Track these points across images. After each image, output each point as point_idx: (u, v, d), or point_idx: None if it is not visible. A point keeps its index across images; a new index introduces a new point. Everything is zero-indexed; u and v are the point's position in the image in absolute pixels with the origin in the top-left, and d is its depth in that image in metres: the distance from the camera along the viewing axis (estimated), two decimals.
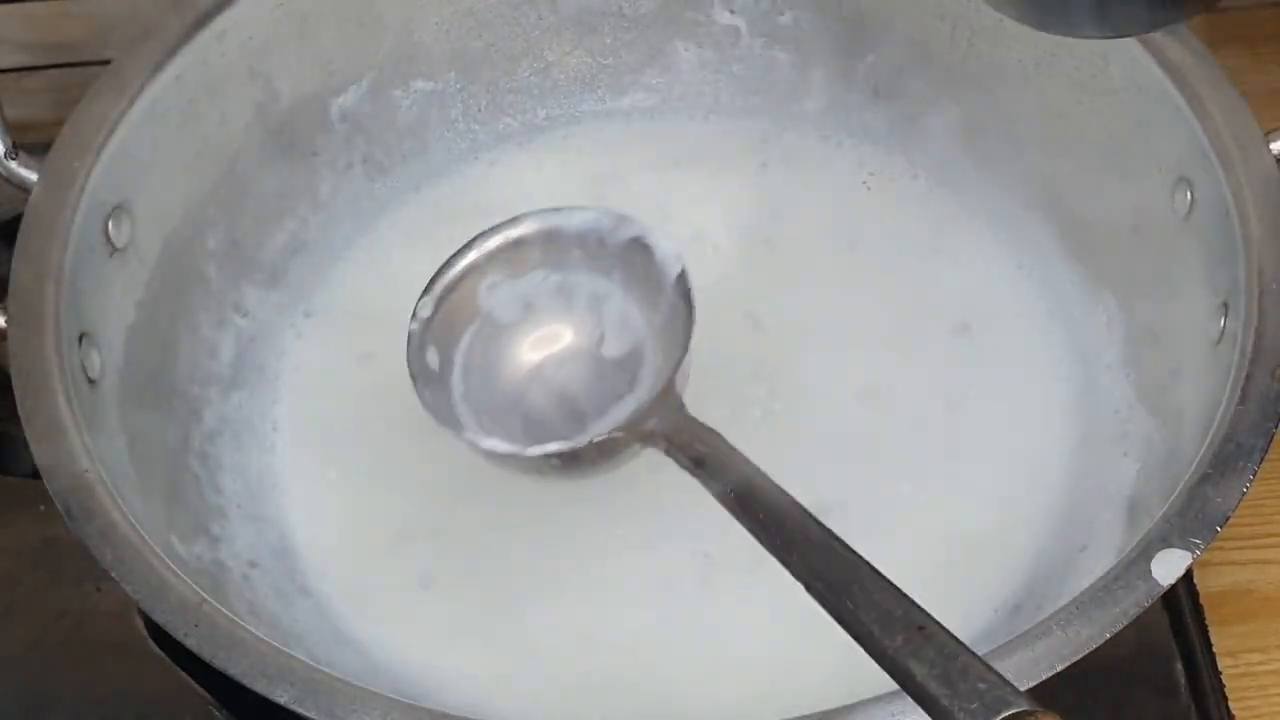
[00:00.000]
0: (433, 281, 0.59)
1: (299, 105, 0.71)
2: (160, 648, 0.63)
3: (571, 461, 0.55)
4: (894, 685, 0.44)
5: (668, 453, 0.53)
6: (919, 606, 0.43)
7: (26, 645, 0.65)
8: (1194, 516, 0.50)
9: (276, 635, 0.52)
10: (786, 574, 0.47)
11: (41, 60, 0.83)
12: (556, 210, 0.59)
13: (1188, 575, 0.65)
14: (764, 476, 0.50)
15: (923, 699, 0.41)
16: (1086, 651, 0.48)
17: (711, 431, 0.53)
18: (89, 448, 0.54)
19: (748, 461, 0.51)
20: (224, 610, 0.50)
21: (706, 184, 0.76)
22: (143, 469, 0.59)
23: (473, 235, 0.60)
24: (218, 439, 0.66)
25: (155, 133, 0.64)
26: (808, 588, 0.46)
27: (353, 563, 0.64)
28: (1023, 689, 0.46)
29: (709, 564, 0.63)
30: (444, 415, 0.57)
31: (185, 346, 0.66)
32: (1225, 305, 0.58)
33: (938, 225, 0.73)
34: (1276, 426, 0.53)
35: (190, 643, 0.49)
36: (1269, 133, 0.60)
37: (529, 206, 0.75)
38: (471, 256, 0.59)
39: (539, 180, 0.77)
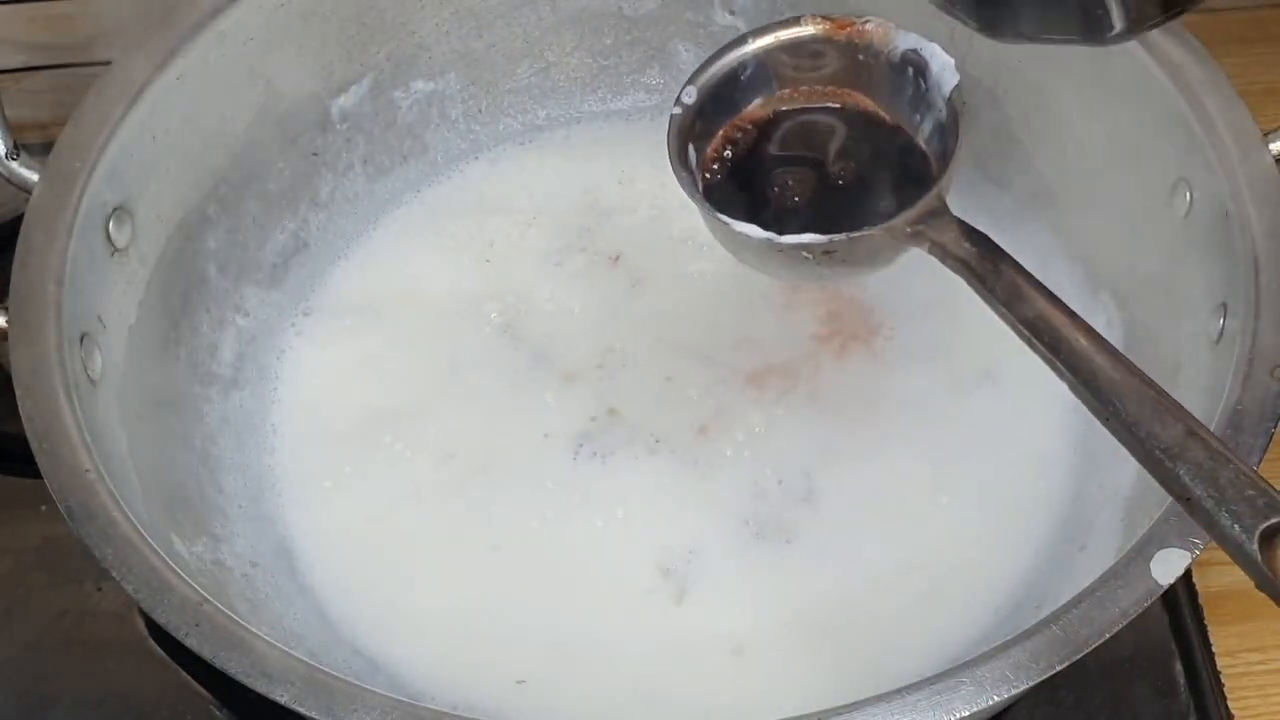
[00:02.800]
0: (699, 70, 0.60)
1: (299, 105, 0.71)
2: (161, 647, 0.64)
3: (826, 257, 0.55)
4: (886, 686, 0.46)
5: (930, 251, 0.54)
6: (1192, 417, 0.44)
7: (27, 645, 0.65)
8: None
9: (277, 635, 0.52)
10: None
11: (42, 61, 0.83)
12: (829, 18, 0.60)
13: (1187, 575, 0.65)
14: (1033, 281, 0.50)
15: (1193, 502, 0.42)
16: (1086, 651, 0.48)
17: (980, 234, 0.53)
18: (90, 448, 0.54)
19: (1016, 265, 0.51)
20: (224, 610, 0.51)
21: None
22: (144, 469, 0.59)
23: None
24: (219, 439, 0.66)
25: (156, 133, 0.64)
26: (1072, 388, 0.47)
27: (353, 563, 0.64)
28: (1023, 685, 0.47)
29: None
30: (699, 197, 0.58)
31: (186, 346, 0.66)
32: (1224, 305, 0.58)
33: None
34: (1276, 426, 0.53)
35: (191, 642, 0.49)
36: (1268, 133, 0.60)
37: (530, 206, 0.76)
38: (743, 49, 0.60)
39: (539, 180, 0.77)
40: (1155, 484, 0.57)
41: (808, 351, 0.69)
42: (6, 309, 0.57)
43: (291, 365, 0.71)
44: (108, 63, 0.65)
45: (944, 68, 0.58)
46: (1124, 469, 0.61)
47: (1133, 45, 0.63)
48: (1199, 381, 0.58)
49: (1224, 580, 0.66)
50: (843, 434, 0.67)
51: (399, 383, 0.70)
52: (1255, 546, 0.40)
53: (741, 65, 0.60)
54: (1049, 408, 0.67)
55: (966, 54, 0.72)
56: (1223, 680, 0.63)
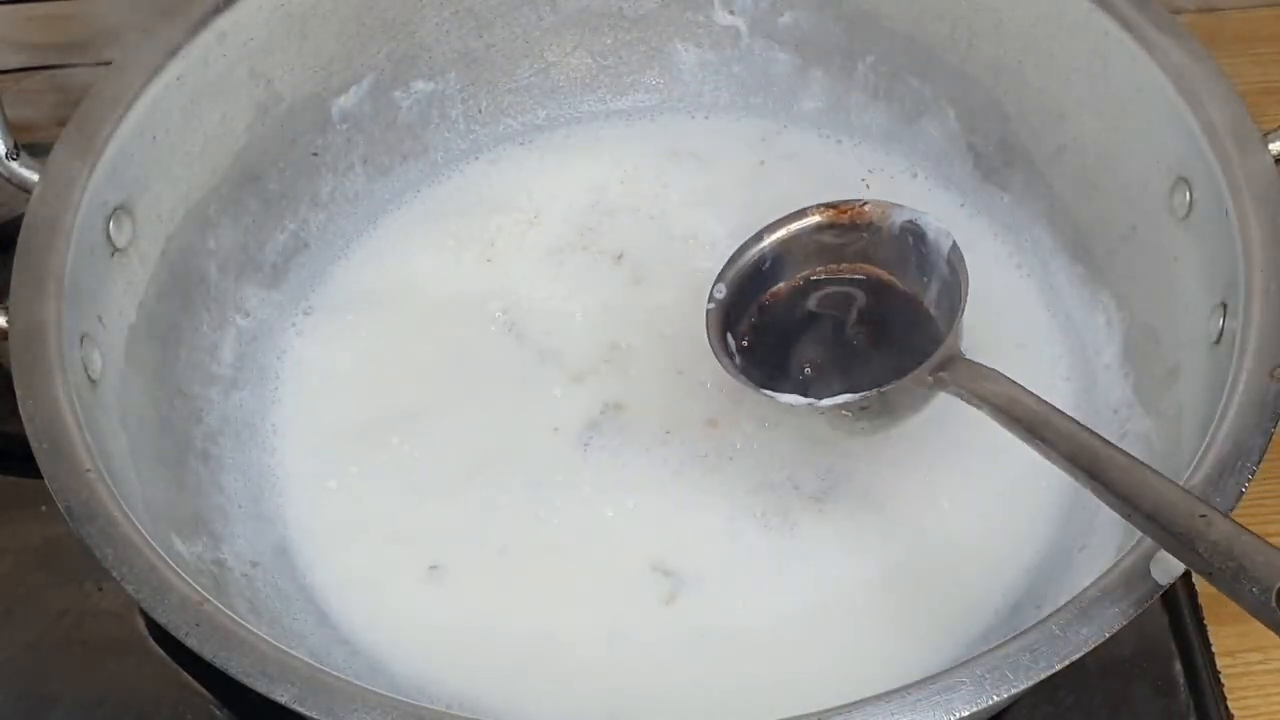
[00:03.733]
0: (726, 266, 0.66)
1: (300, 106, 0.71)
2: (161, 647, 0.64)
3: (864, 412, 0.61)
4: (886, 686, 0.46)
5: (954, 394, 0.58)
6: (1198, 498, 0.48)
7: (27, 644, 0.65)
8: None
9: (277, 635, 0.52)
10: None
11: (42, 61, 0.83)
12: (831, 205, 0.66)
13: (1187, 575, 0.64)
14: (1048, 407, 0.54)
15: (1210, 575, 0.46)
16: (1086, 651, 0.48)
17: (994, 372, 0.58)
18: (90, 448, 0.54)
19: (1031, 395, 0.55)
20: (225, 610, 0.51)
21: (706, 183, 0.76)
22: (144, 469, 0.59)
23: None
24: (219, 439, 0.66)
25: (156, 133, 0.64)
26: (1098, 494, 0.51)
27: (353, 563, 0.64)
28: (1023, 685, 0.47)
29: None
30: (743, 378, 0.63)
31: (186, 346, 0.66)
32: (1224, 305, 0.58)
33: None
34: (1275, 426, 0.53)
35: (191, 642, 0.49)
36: (1268, 133, 0.60)
37: (530, 206, 0.76)
38: (760, 245, 0.66)
39: (539, 180, 0.77)
40: None
41: None
42: (6, 309, 0.57)
43: (292, 365, 0.71)
44: (108, 63, 0.65)
45: (939, 234, 0.63)
46: None
47: (1133, 45, 0.64)
48: (1199, 381, 0.58)
49: None
50: (844, 433, 0.66)
51: (401, 381, 0.70)
52: (1275, 605, 0.44)
53: (762, 258, 0.66)
54: None
55: (966, 54, 0.72)
56: (1223, 680, 0.63)
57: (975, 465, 0.65)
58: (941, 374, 0.59)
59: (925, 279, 0.64)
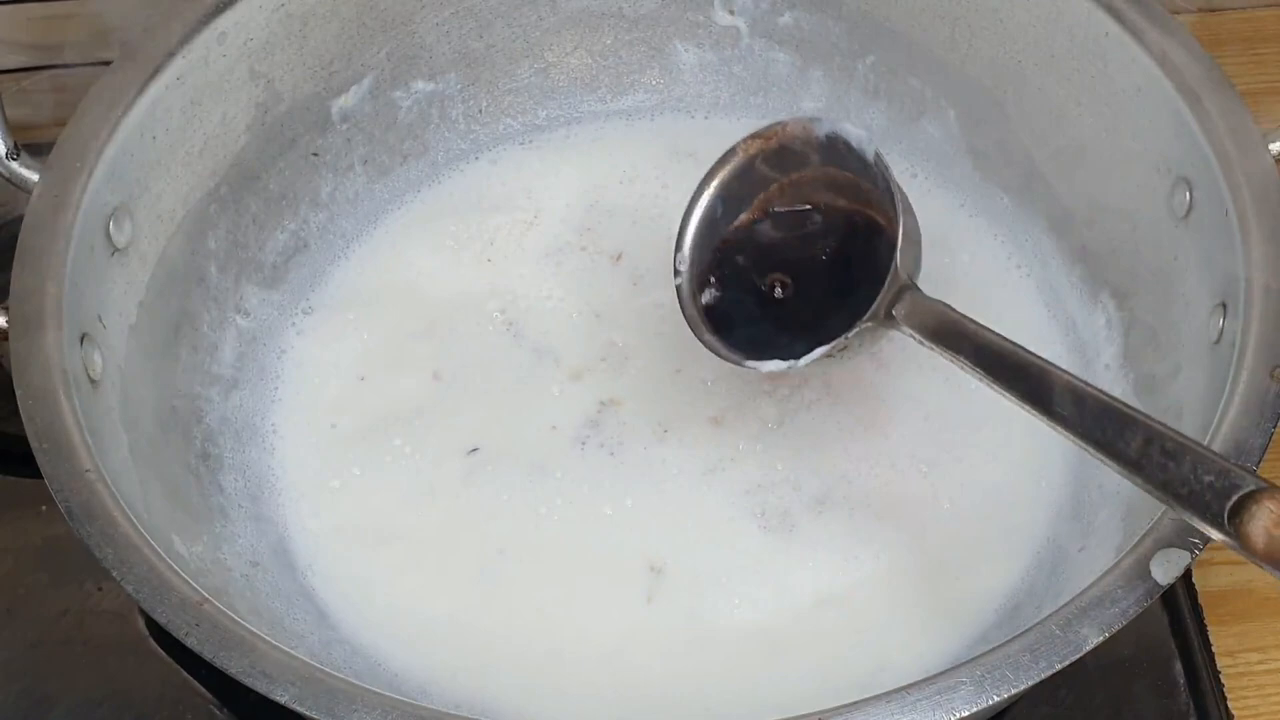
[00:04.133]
0: (680, 235, 0.65)
1: (300, 106, 0.71)
2: (161, 647, 0.64)
3: (842, 353, 0.61)
4: (886, 686, 0.46)
5: (907, 335, 0.58)
6: (1144, 418, 0.49)
7: (28, 644, 0.65)
8: None
9: (277, 635, 0.52)
10: None
11: (43, 61, 0.83)
12: (756, 135, 0.65)
13: (1187, 575, 0.65)
14: (997, 336, 0.55)
15: (1168, 500, 0.47)
16: (1086, 651, 0.48)
17: (943, 305, 0.58)
18: (90, 448, 0.54)
19: (979, 326, 0.56)
20: (225, 610, 0.51)
21: None
22: (144, 469, 0.59)
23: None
24: (219, 439, 0.66)
25: (156, 133, 0.64)
26: (1050, 418, 0.52)
27: (353, 562, 0.64)
28: (1023, 685, 0.47)
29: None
30: (724, 352, 0.63)
31: (186, 346, 0.66)
32: (1224, 305, 0.58)
33: (937, 225, 0.73)
34: (1275, 426, 0.53)
35: (191, 642, 0.49)
36: (1268, 133, 0.60)
37: (530, 206, 0.76)
38: (703, 199, 0.65)
39: (539, 180, 0.77)
40: None
41: None
42: (7, 309, 0.57)
43: (292, 365, 0.71)
44: (108, 63, 0.65)
45: (860, 140, 0.62)
46: None
47: (1133, 45, 0.64)
48: (1199, 381, 0.58)
49: (1224, 580, 0.66)
50: (845, 433, 0.67)
51: (401, 381, 0.70)
52: (1229, 525, 0.45)
53: (713, 211, 0.65)
54: None
55: (966, 54, 0.72)
56: (1222, 680, 0.63)
57: (975, 466, 0.65)
58: (894, 312, 0.58)
59: (870, 194, 0.63)
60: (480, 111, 0.77)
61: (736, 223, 0.66)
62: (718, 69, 0.78)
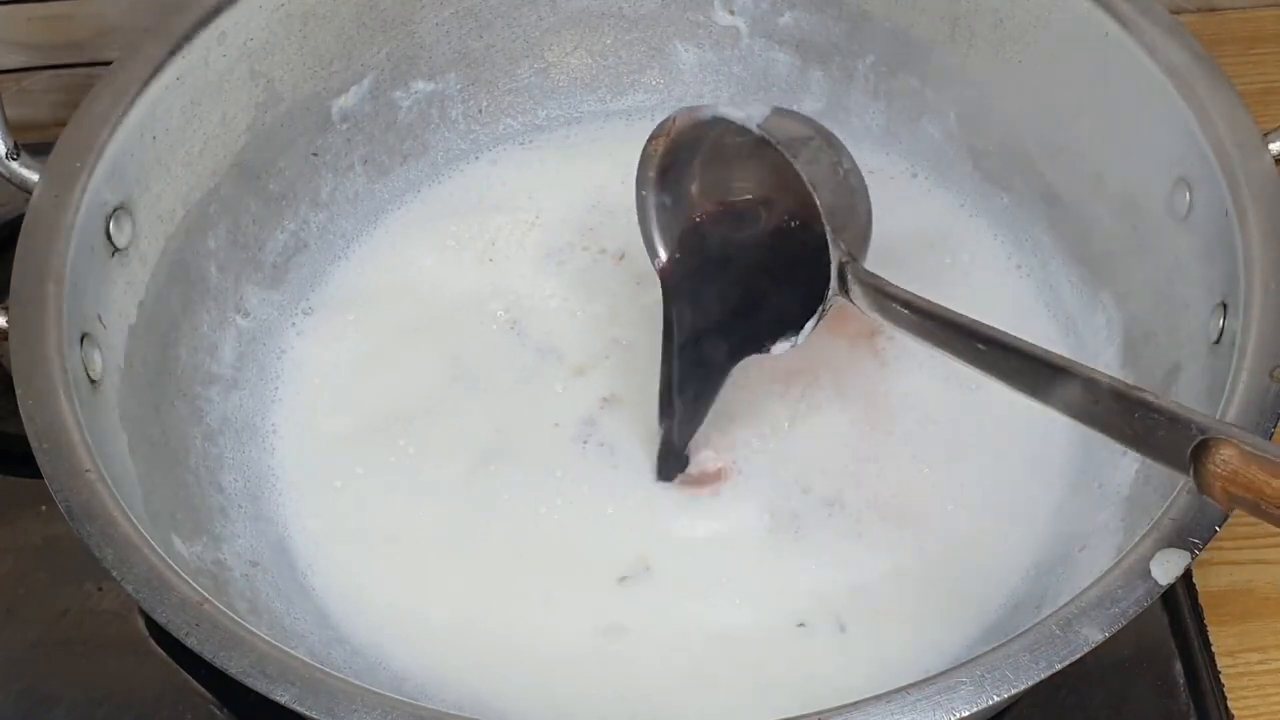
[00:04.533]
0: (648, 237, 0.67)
1: (300, 106, 0.71)
2: (161, 647, 0.64)
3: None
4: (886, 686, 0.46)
5: (854, 302, 0.60)
6: (1093, 375, 0.51)
7: (28, 644, 0.65)
8: (1193, 516, 0.50)
9: (277, 635, 0.52)
10: None
11: (43, 61, 0.83)
12: (655, 135, 0.66)
13: (1187, 575, 0.65)
14: (935, 305, 0.57)
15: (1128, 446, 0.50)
16: (1086, 651, 0.48)
17: (877, 278, 0.60)
18: (90, 448, 0.54)
19: (914, 295, 0.58)
20: (225, 610, 0.51)
21: None
22: (144, 469, 0.59)
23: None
24: (219, 438, 0.66)
25: (157, 133, 0.64)
26: (991, 374, 0.55)
27: (353, 562, 0.64)
28: (1023, 685, 0.47)
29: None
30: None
31: (186, 346, 0.66)
32: (1224, 305, 0.58)
33: (937, 225, 0.74)
34: (1276, 426, 0.53)
35: (191, 642, 0.49)
36: (1268, 133, 0.60)
37: (531, 206, 0.76)
38: (654, 201, 0.66)
39: (540, 180, 0.77)
40: (1155, 484, 0.57)
41: (807, 350, 0.69)
42: (7, 309, 0.57)
43: (292, 365, 0.71)
44: (108, 63, 0.65)
45: (747, 119, 0.63)
46: (1123, 469, 0.62)
47: (1133, 45, 0.64)
48: (1199, 381, 0.58)
49: (1224, 580, 0.66)
50: (846, 433, 0.67)
51: (401, 381, 0.70)
52: (1191, 468, 0.47)
53: (660, 207, 0.66)
54: (1049, 408, 0.67)
55: (966, 54, 0.72)
56: (1223, 680, 0.63)
57: (977, 467, 0.65)
58: (845, 291, 0.61)
59: (796, 176, 0.63)
60: (480, 111, 0.78)
61: (695, 232, 0.67)
62: (718, 69, 0.78)
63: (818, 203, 0.61)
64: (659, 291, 0.70)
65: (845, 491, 0.65)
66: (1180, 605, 0.64)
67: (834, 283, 0.61)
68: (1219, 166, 0.59)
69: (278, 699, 0.48)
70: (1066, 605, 0.49)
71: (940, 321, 0.57)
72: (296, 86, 0.71)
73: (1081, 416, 0.51)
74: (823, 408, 0.67)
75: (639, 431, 0.67)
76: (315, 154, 0.73)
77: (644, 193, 0.66)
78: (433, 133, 0.77)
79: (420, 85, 0.75)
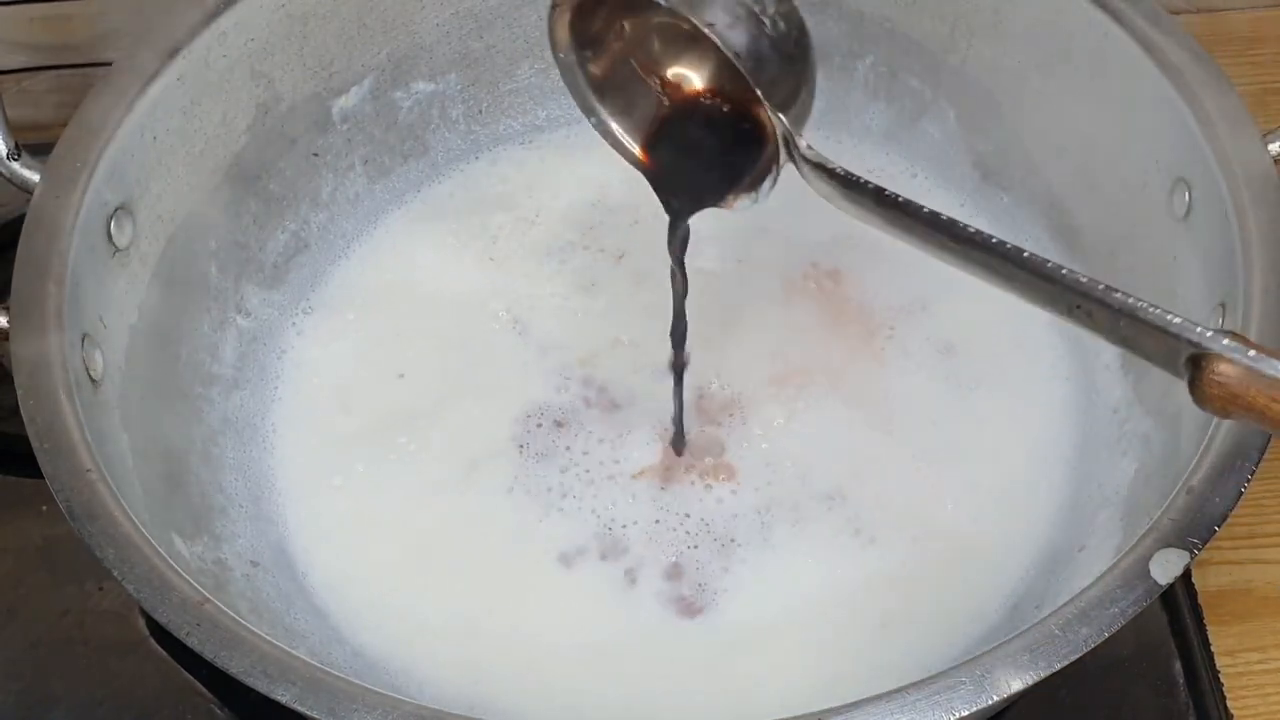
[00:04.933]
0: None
1: (300, 106, 0.71)
2: (162, 647, 0.64)
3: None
4: (886, 686, 0.46)
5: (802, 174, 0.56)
6: (1079, 282, 0.48)
7: (28, 644, 0.65)
8: (1192, 516, 0.50)
9: (278, 634, 0.52)
10: None
11: (44, 61, 0.83)
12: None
13: (1186, 575, 0.65)
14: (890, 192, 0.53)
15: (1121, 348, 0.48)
16: (1086, 651, 0.48)
17: (820, 156, 0.56)
18: (91, 448, 0.54)
19: (867, 180, 0.54)
20: (225, 609, 0.51)
21: None
22: (145, 469, 0.59)
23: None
24: (220, 439, 0.66)
25: (157, 133, 0.64)
26: (956, 264, 0.53)
27: (354, 562, 0.64)
28: (1023, 685, 0.47)
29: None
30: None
31: (187, 346, 0.66)
32: (1223, 305, 0.58)
33: None
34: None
35: (192, 642, 0.49)
36: (1267, 134, 0.60)
37: (531, 206, 0.76)
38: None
39: (540, 180, 0.77)
40: (1154, 484, 0.57)
41: (807, 350, 0.69)
42: (7, 309, 0.57)
43: (292, 365, 0.71)
44: (108, 63, 0.65)
45: None
46: (1123, 469, 0.62)
47: (1133, 45, 0.64)
48: None
49: (1224, 580, 0.66)
50: (850, 433, 0.67)
51: (402, 380, 0.70)
52: (1187, 378, 0.46)
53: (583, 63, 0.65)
54: (1048, 408, 0.67)
55: (966, 54, 0.72)
56: (1222, 680, 0.63)
57: (977, 466, 0.65)
58: (792, 159, 0.56)
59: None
60: (480, 111, 0.78)
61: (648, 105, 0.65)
62: None
63: (744, 73, 0.56)
64: (659, 290, 0.70)
65: (845, 491, 0.65)
66: (1179, 605, 0.64)
67: (781, 152, 0.57)
68: (1218, 167, 0.59)
69: (278, 698, 0.48)
70: (1066, 605, 0.49)
71: (893, 207, 0.53)
72: (297, 87, 0.71)
73: (1065, 316, 0.49)
74: (821, 407, 0.67)
75: (641, 432, 0.67)
76: (316, 154, 0.73)
77: (560, 55, 0.64)
78: (433, 133, 0.77)
79: (421, 85, 0.75)
